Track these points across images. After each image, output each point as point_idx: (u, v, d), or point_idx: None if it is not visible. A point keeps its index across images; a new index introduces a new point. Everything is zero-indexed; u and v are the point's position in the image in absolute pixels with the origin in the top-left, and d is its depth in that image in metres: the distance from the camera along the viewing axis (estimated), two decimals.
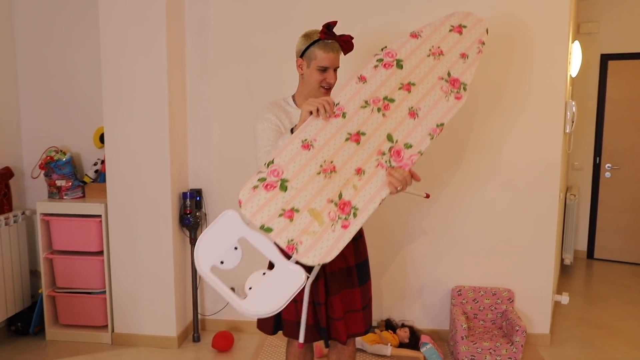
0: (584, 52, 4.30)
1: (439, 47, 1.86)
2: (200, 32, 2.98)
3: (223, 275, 1.44)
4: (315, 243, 1.47)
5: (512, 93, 2.85)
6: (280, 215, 1.50)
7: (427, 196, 2.24)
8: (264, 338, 3.07)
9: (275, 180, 1.55)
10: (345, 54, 1.91)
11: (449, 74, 1.80)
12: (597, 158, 4.78)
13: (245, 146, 2.98)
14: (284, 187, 1.54)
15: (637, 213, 4.64)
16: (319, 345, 2.81)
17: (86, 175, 3.12)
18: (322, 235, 1.49)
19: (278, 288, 1.41)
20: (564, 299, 3.14)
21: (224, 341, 2.92)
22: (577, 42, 3.91)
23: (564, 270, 4.47)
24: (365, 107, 1.71)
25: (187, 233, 3.03)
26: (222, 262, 1.46)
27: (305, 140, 1.63)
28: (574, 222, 4.34)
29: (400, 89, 1.76)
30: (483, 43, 1.91)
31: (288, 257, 1.47)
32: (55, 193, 3.04)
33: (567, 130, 3.05)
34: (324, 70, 1.85)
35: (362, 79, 1.76)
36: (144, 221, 2.89)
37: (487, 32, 1.96)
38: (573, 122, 3.12)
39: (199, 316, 3.16)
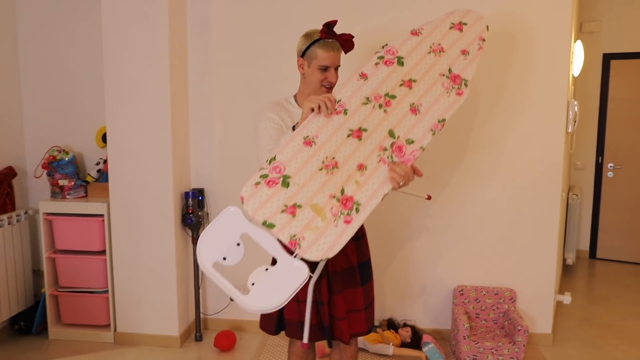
0: (587, 52, 4.30)
1: (439, 44, 1.87)
2: (202, 32, 2.99)
3: (225, 272, 1.45)
4: (317, 238, 1.48)
5: (514, 92, 2.85)
6: (283, 211, 1.50)
7: (429, 197, 2.24)
8: (266, 337, 3.07)
9: (277, 177, 1.56)
10: (346, 53, 1.91)
11: (450, 71, 1.81)
12: (600, 158, 4.77)
13: (247, 145, 2.99)
14: (286, 184, 1.55)
15: None
16: (320, 344, 2.81)
17: (88, 174, 3.13)
18: (325, 231, 1.49)
19: (281, 283, 1.41)
20: (566, 298, 3.13)
21: (226, 340, 2.92)
22: (579, 42, 3.90)
23: (566, 270, 4.46)
24: (367, 103, 1.72)
25: (190, 232, 3.03)
26: (224, 259, 1.46)
27: (307, 136, 1.64)
28: (576, 221, 4.33)
29: (401, 85, 1.76)
30: (484, 40, 1.92)
31: (290, 253, 1.47)
32: (57, 192, 3.05)
33: (569, 130, 3.04)
34: (325, 69, 1.85)
35: (363, 76, 1.77)
36: (146, 221, 2.89)
37: (488, 29, 1.96)
38: (575, 121, 3.12)
39: (201, 315, 3.16)
